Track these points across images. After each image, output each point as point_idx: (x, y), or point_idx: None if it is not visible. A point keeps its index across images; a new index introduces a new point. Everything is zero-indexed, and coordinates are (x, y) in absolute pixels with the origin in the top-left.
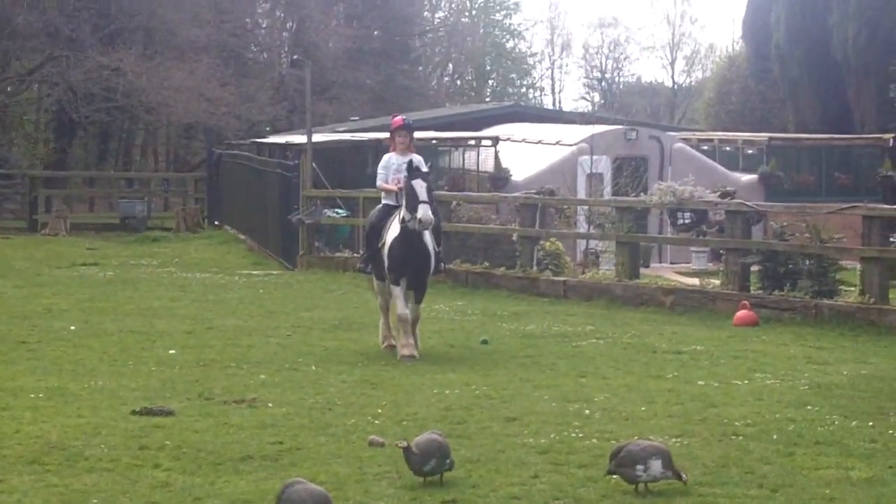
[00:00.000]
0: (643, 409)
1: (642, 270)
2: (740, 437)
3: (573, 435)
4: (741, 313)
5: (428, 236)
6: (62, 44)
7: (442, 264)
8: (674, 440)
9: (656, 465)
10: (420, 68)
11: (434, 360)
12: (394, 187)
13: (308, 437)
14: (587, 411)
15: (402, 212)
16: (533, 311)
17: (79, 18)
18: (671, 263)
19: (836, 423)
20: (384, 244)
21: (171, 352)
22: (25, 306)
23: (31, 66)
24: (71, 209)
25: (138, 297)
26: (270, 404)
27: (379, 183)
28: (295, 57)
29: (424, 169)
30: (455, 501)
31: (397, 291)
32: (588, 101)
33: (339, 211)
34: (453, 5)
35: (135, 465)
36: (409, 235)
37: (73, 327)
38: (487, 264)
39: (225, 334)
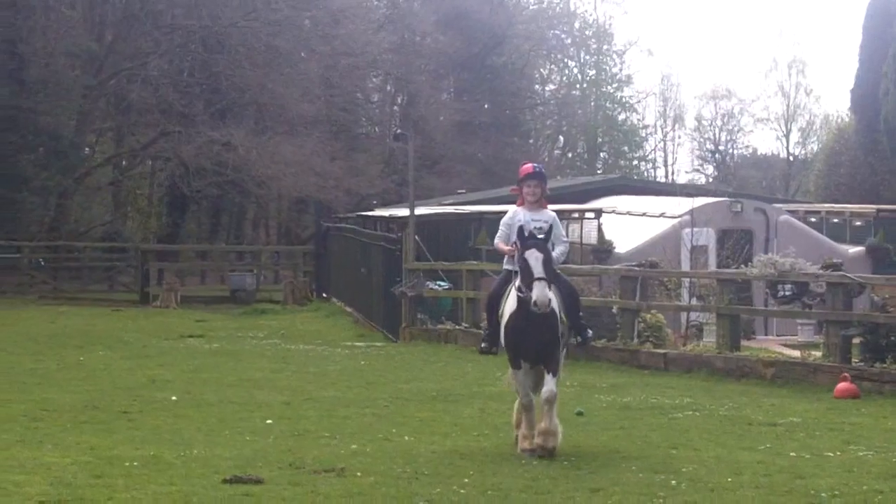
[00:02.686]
0: (730, 479)
1: (748, 342)
2: None
3: None
4: (841, 385)
5: (556, 305)
6: (175, 119)
7: (589, 332)
8: None
9: None
10: (530, 141)
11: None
12: (511, 248)
13: None
14: (673, 482)
15: (519, 282)
16: (632, 382)
17: (191, 94)
18: (777, 335)
19: None
20: (502, 317)
21: (268, 422)
22: (130, 377)
23: (144, 141)
24: (182, 282)
25: (241, 369)
26: (359, 473)
27: (496, 242)
28: (398, 131)
29: (544, 228)
30: None
31: (518, 377)
32: (701, 173)
33: (442, 283)
34: (564, 78)
35: None
36: (528, 308)
37: (174, 398)
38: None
39: (322, 405)
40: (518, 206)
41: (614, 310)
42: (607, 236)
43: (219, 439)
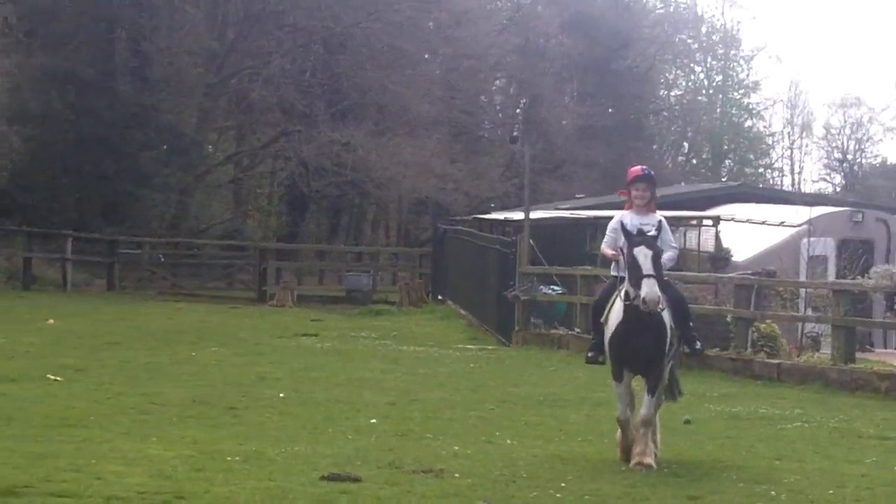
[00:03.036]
0: (831, 492)
1: (865, 355)
2: None
3: None
4: None
5: (665, 313)
6: (296, 119)
7: (697, 343)
8: None
9: None
10: (654, 147)
11: None
12: (616, 253)
13: None
14: (773, 492)
15: (626, 286)
16: (743, 393)
17: (312, 94)
18: None
19: None
20: (606, 325)
21: (372, 421)
22: (240, 374)
23: (265, 140)
24: (300, 281)
25: (350, 369)
26: (457, 475)
27: (602, 248)
28: (514, 133)
29: (652, 232)
30: None
31: (618, 389)
32: (828, 182)
33: (556, 288)
34: (690, 84)
35: None
36: (635, 315)
37: (282, 395)
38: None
39: (428, 407)
40: (626, 209)
41: (728, 318)
42: (725, 244)
43: (322, 437)
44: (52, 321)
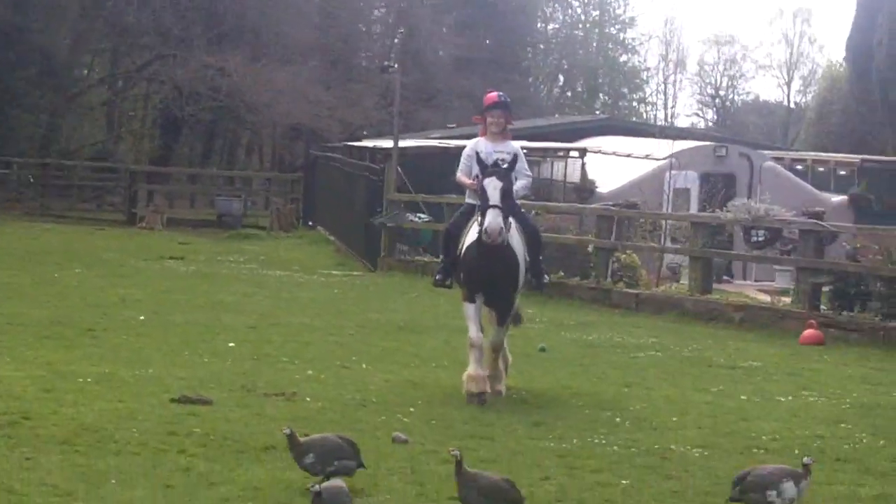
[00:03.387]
0: (674, 419)
1: (724, 286)
2: (762, 451)
3: (595, 441)
4: (807, 332)
5: (518, 244)
6: (171, 43)
7: (546, 277)
8: (695, 450)
9: (790, 488)
10: (530, 79)
11: None
12: (472, 182)
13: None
14: (617, 419)
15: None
16: (601, 321)
17: (188, 18)
18: (756, 281)
19: (864, 441)
20: (461, 251)
21: (230, 345)
22: (101, 296)
23: (140, 63)
24: (172, 205)
25: (213, 292)
26: (308, 398)
27: (458, 175)
28: (385, 63)
29: (507, 159)
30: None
31: (470, 311)
32: (701, 117)
33: (422, 216)
34: (567, 18)
35: (160, 450)
36: (489, 245)
37: (141, 317)
38: (562, 274)
39: (288, 331)
40: (481, 136)
41: (590, 248)
42: (591, 176)
43: (177, 360)
44: None
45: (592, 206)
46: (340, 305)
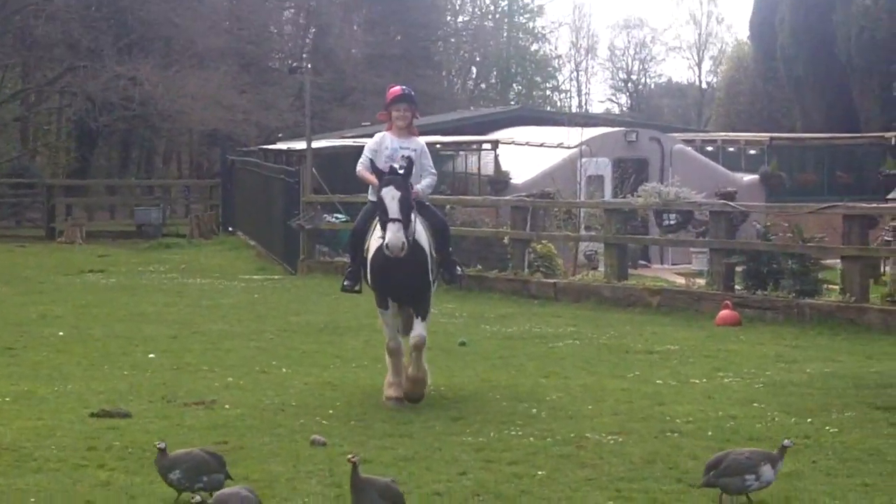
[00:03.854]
0: (590, 407)
1: (642, 272)
2: (676, 434)
3: (512, 433)
4: (723, 313)
5: (425, 241)
6: (81, 54)
7: (459, 269)
8: (610, 437)
9: (767, 471)
10: (443, 73)
11: None
12: (374, 179)
13: (254, 437)
14: (534, 410)
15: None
16: (521, 313)
17: (97, 29)
18: (672, 265)
19: (776, 419)
20: (366, 255)
21: (151, 356)
22: (21, 313)
23: (51, 76)
24: (91, 217)
25: (133, 303)
26: (227, 406)
27: (358, 170)
28: (293, 64)
29: (402, 170)
30: None
31: (385, 317)
32: (615, 102)
33: (339, 216)
34: (476, 9)
35: (80, 466)
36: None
37: (61, 333)
38: (480, 267)
39: (209, 338)
40: (387, 131)
41: (506, 240)
42: (504, 167)
43: (97, 374)
44: None
45: (506, 197)
46: (261, 310)
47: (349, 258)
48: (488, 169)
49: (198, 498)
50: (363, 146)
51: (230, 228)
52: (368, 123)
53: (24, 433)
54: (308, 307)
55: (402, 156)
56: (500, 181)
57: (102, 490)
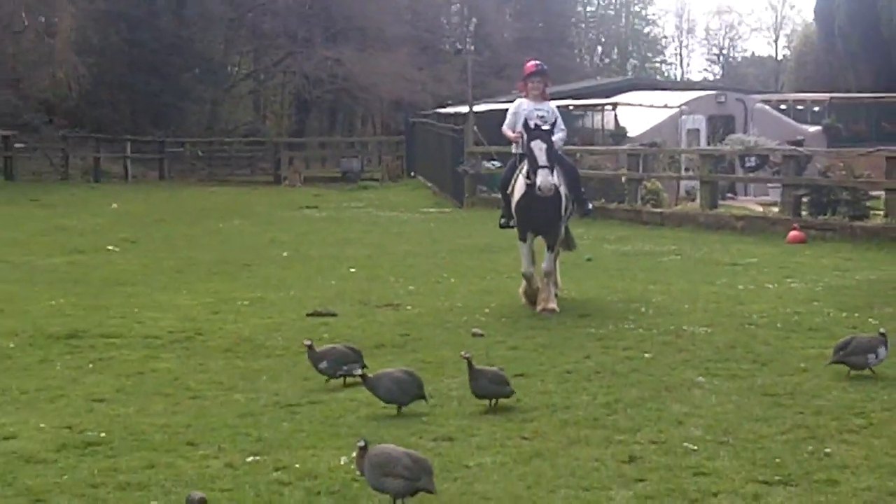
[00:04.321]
0: (686, 306)
1: (731, 202)
2: (752, 326)
3: (625, 326)
4: (792, 234)
5: (560, 184)
6: (298, 42)
7: (589, 204)
8: (701, 329)
9: (882, 351)
10: (575, 51)
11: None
12: (516, 136)
13: (429, 330)
14: (643, 309)
15: (526, 166)
16: (634, 235)
17: (310, 23)
18: (754, 196)
19: (831, 314)
20: (512, 200)
21: (352, 270)
22: (255, 239)
23: (276, 59)
24: (308, 166)
25: (339, 231)
26: (409, 307)
27: (504, 129)
28: (459, 47)
29: (545, 126)
30: (523, 375)
31: (523, 248)
32: (710, 73)
33: (495, 163)
34: (601, 0)
35: (300, 352)
36: (534, 191)
37: (285, 254)
38: (604, 200)
39: (395, 257)
40: (524, 98)
41: (623, 180)
42: (622, 124)
43: (312, 284)
44: (115, 205)
45: (623, 147)
46: (436, 235)
47: (503, 202)
48: (609, 125)
49: (362, 442)
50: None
51: (412, 174)
52: (516, 91)
53: (258, 328)
54: (471, 233)
55: (537, 116)
56: (618, 135)
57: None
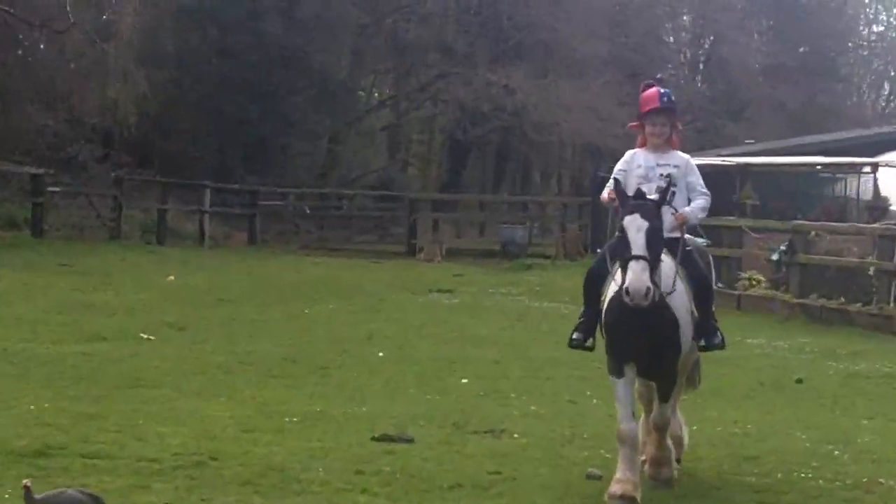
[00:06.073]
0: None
1: None
2: None
3: (802, 475)
4: None
5: (681, 294)
6: (455, 60)
7: (719, 335)
8: None
9: None
10: (850, 87)
11: (724, 396)
12: (609, 198)
13: (531, 467)
14: (837, 452)
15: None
16: (876, 350)
17: (472, 34)
18: None
19: None
20: (603, 303)
21: (464, 381)
22: (348, 331)
23: (423, 82)
24: (459, 234)
25: (470, 325)
26: (516, 435)
27: (603, 194)
28: (658, 76)
29: (652, 195)
30: None
31: (619, 389)
32: None
33: (699, 240)
34: (893, 19)
35: (343, 490)
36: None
37: (381, 353)
38: (843, 300)
39: (532, 364)
40: (639, 146)
41: (871, 271)
42: (885, 192)
43: (400, 397)
44: (172, 277)
45: (874, 225)
46: (598, 337)
47: (584, 304)
48: (867, 194)
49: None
50: (730, 165)
51: (598, 249)
52: (752, 141)
53: (296, 454)
54: None
55: (661, 174)
56: (877, 207)
57: None
